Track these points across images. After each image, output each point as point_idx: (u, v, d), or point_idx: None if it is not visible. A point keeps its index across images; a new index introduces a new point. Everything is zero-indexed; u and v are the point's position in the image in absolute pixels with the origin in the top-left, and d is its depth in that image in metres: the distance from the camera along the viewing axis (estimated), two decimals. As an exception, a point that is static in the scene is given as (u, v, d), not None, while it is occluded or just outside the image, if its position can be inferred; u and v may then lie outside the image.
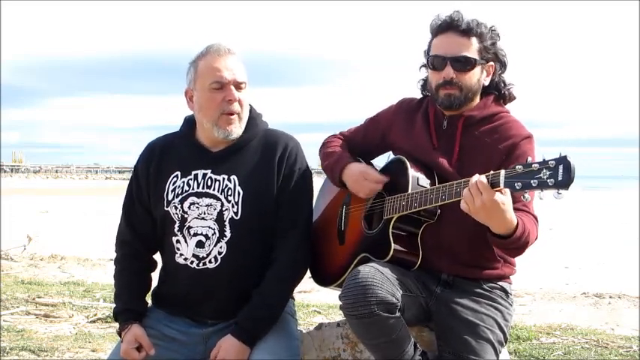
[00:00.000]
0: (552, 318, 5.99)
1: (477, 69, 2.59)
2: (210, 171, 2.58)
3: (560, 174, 2.06)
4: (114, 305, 2.68)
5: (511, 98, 2.70)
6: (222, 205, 2.54)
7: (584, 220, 18.77)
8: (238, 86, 2.54)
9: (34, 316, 5.64)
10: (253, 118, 2.64)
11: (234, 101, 2.52)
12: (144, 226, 2.66)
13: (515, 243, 2.34)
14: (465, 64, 2.55)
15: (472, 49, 2.57)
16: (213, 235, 2.54)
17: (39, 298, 6.27)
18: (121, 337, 2.59)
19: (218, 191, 2.55)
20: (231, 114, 2.53)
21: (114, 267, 2.73)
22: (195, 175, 2.59)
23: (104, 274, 7.88)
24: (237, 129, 2.56)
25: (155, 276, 2.75)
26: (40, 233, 11.49)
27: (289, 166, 2.59)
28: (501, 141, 2.56)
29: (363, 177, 2.65)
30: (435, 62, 2.59)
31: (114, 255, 2.73)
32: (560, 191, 2.06)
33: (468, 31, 2.56)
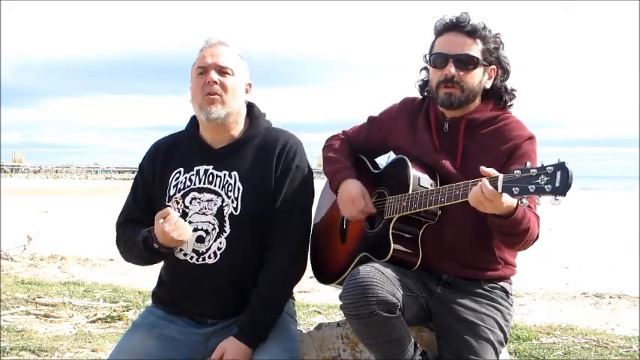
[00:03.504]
0: (552, 318, 5.99)
1: (480, 69, 2.58)
2: (211, 167, 2.60)
3: (558, 180, 2.06)
4: (143, 243, 2.51)
5: (511, 103, 2.70)
6: (223, 200, 2.55)
7: (584, 220, 18.78)
8: (221, 70, 2.56)
9: (34, 316, 5.64)
10: (256, 117, 2.69)
11: (212, 83, 2.54)
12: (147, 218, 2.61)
13: (518, 226, 2.34)
14: (467, 63, 2.55)
15: (475, 49, 2.56)
16: (213, 230, 2.54)
17: (39, 298, 6.28)
18: (153, 240, 2.47)
19: (219, 187, 2.57)
20: (211, 94, 2.55)
21: (119, 238, 2.68)
22: (198, 171, 2.61)
23: (104, 274, 7.81)
24: (217, 110, 2.56)
25: (154, 275, 2.75)
26: (40, 233, 11.49)
27: (287, 163, 2.60)
28: (503, 142, 2.55)
29: (351, 201, 2.66)
30: (436, 60, 2.59)
31: (115, 251, 2.69)
32: (558, 197, 2.07)
33: (472, 32, 2.55)
